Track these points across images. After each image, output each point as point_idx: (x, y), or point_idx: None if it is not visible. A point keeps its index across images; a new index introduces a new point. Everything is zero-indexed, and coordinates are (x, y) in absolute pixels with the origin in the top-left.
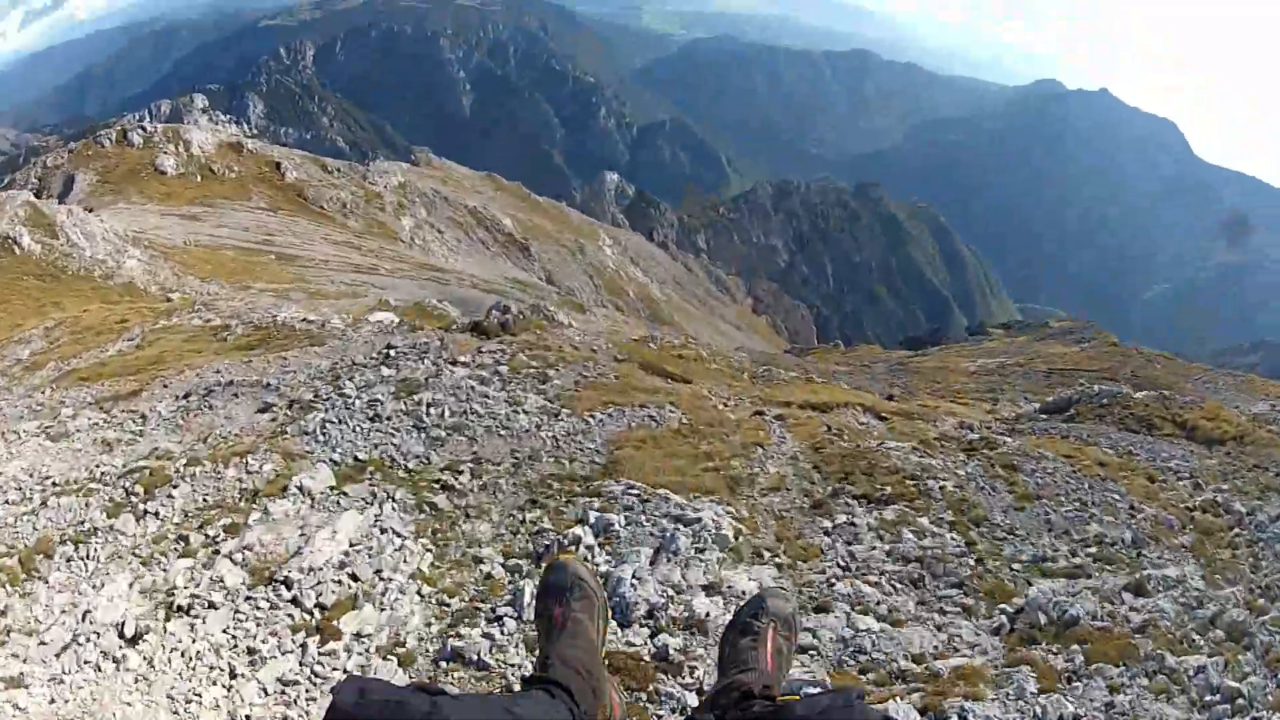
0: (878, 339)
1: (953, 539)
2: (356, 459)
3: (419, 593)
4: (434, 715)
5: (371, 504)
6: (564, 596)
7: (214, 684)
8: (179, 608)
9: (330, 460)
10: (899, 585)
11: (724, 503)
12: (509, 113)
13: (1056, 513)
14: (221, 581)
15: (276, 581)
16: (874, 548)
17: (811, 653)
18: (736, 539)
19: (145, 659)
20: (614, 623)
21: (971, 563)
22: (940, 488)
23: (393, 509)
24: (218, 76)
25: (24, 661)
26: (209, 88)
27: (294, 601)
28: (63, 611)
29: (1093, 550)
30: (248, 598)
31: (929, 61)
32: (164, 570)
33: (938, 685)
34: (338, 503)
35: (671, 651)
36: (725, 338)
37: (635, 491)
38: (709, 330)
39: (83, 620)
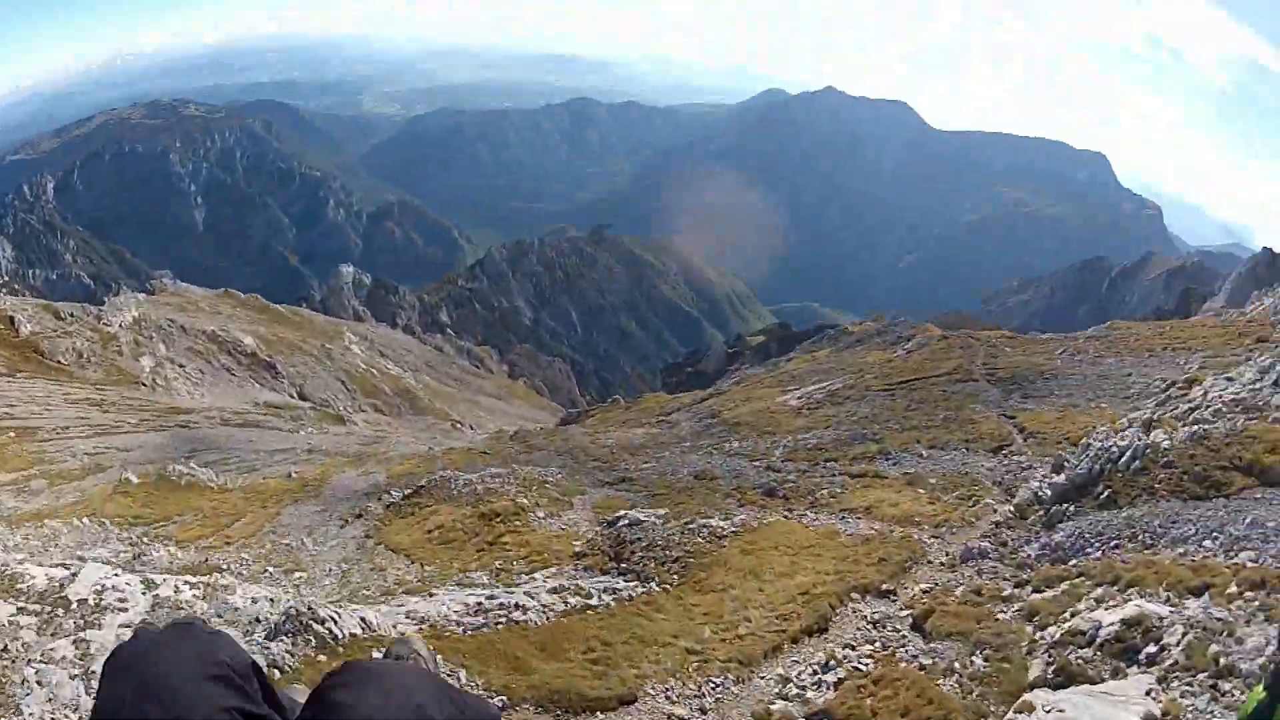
0: (638, 375)
1: None
2: None
3: None
4: (217, 637)
5: None
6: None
7: None
8: None
9: None
10: None
11: None
12: (241, 221)
13: None
14: None
15: None
16: None
17: None
18: None
19: None
20: None
21: None
22: None
23: None
24: None
25: None
26: None
27: None
28: None
29: None
30: None
31: (649, 96)
32: None
33: None
34: None
35: None
36: (489, 413)
37: None
38: (470, 408)
39: None
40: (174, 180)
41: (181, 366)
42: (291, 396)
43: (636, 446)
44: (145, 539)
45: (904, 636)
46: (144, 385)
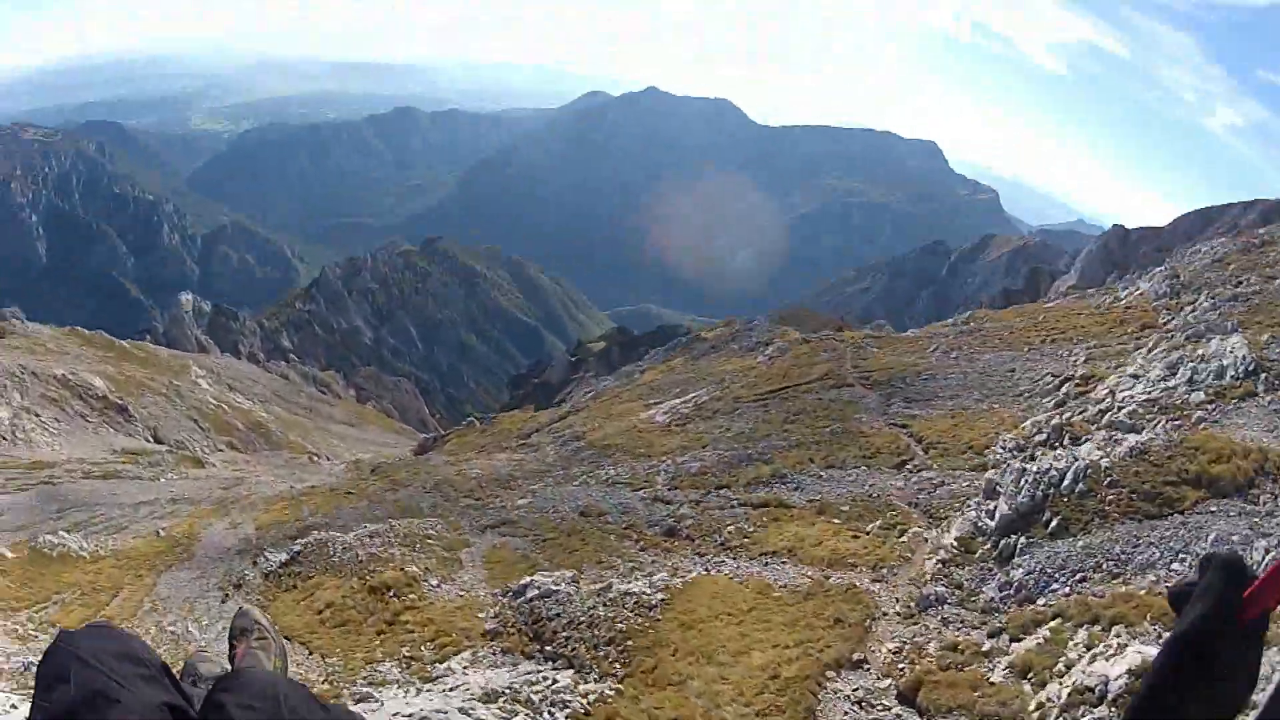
0: (484, 390)
1: None
2: None
3: None
4: (133, 640)
5: None
6: (245, 637)
7: None
8: None
9: None
10: None
11: None
12: (82, 250)
13: None
14: None
15: None
16: None
17: None
18: None
19: None
20: None
21: None
22: None
23: None
24: None
25: None
26: None
27: None
28: None
29: None
30: None
31: (470, 102)
32: None
33: None
34: None
35: None
36: (343, 440)
37: None
38: (324, 437)
39: None
40: (15, 210)
41: (38, 415)
42: (147, 440)
43: (505, 477)
44: (31, 628)
45: (899, 716)
46: (4, 439)
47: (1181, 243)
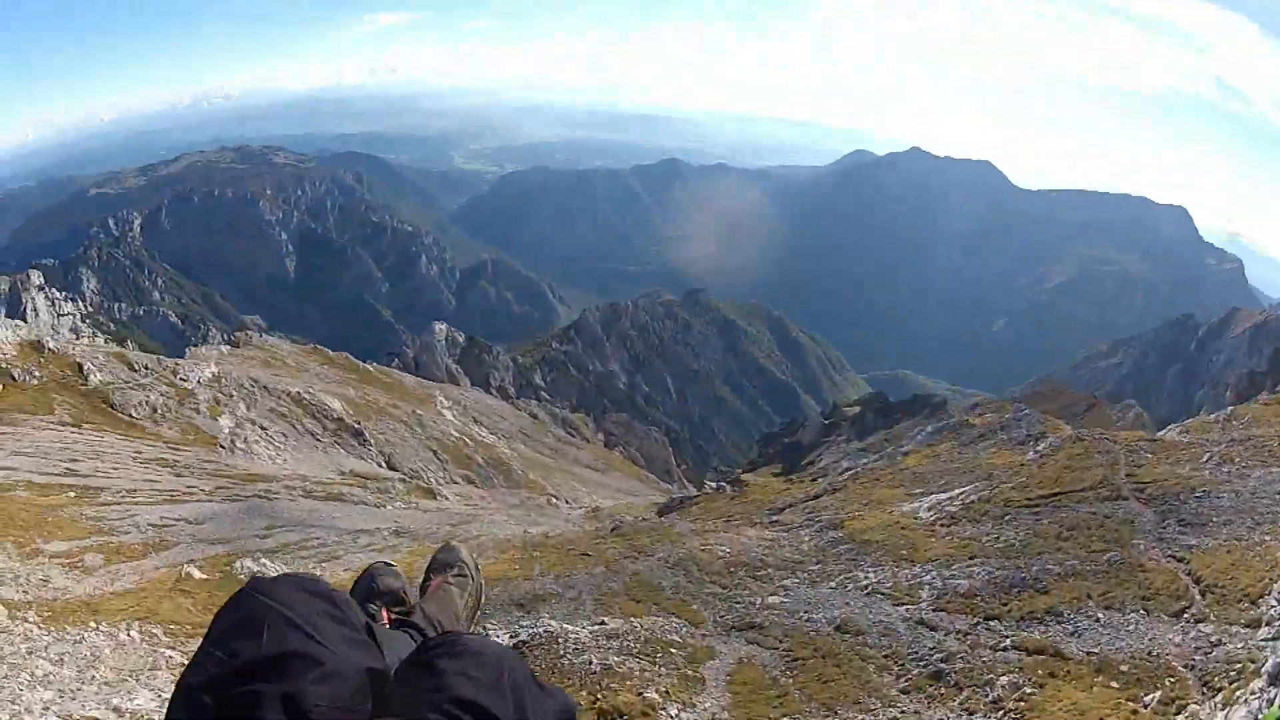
0: (733, 444)
1: None
2: None
3: None
4: (337, 594)
5: None
6: (444, 571)
7: None
8: None
9: None
10: None
11: None
12: (333, 271)
13: None
14: None
15: None
16: None
17: None
18: None
19: None
20: None
21: None
22: None
23: None
24: (51, 248)
25: None
26: (44, 263)
27: None
28: None
29: None
30: None
31: (735, 157)
32: None
33: None
34: None
35: None
36: (585, 484)
37: None
38: (565, 479)
39: None
40: (264, 227)
41: (263, 429)
42: (380, 465)
43: (756, 562)
44: None
45: None
46: (222, 447)
47: None
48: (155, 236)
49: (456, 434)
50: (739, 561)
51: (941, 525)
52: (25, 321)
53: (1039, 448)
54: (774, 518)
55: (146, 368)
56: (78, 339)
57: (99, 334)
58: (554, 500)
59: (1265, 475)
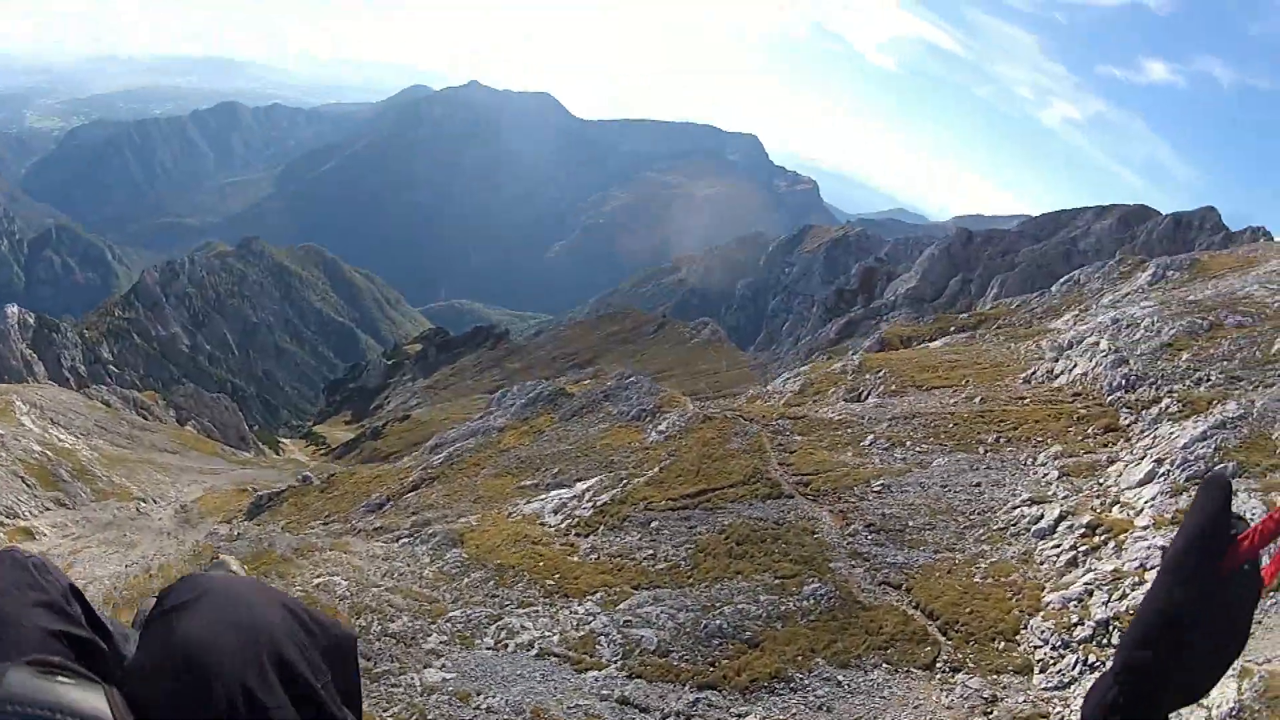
0: (299, 393)
1: None
2: None
3: None
4: (28, 561)
5: None
6: None
7: None
8: None
9: None
10: None
11: None
12: None
13: None
14: None
15: None
16: None
17: None
18: None
19: None
20: None
21: None
22: None
23: None
24: None
25: None
26: None
27: None
28: None
29: None
30: None
31: (296, 97)
32: None
33: None
34: None
35: None
36: (166, 473)
37: None
38: (148, 473)
39: None
40: None
41: None
42: None
43: (384, 607)
44: None
45: None
46: None
47: (1029, 244)
48: None
49: (39, 447)
50: (365, 606)
51: (578, 534)
52: None
53: (660, 427)
54: (376, 523)
55: None
56: None
57: None
58: (143, 505)
59: (950, 463)
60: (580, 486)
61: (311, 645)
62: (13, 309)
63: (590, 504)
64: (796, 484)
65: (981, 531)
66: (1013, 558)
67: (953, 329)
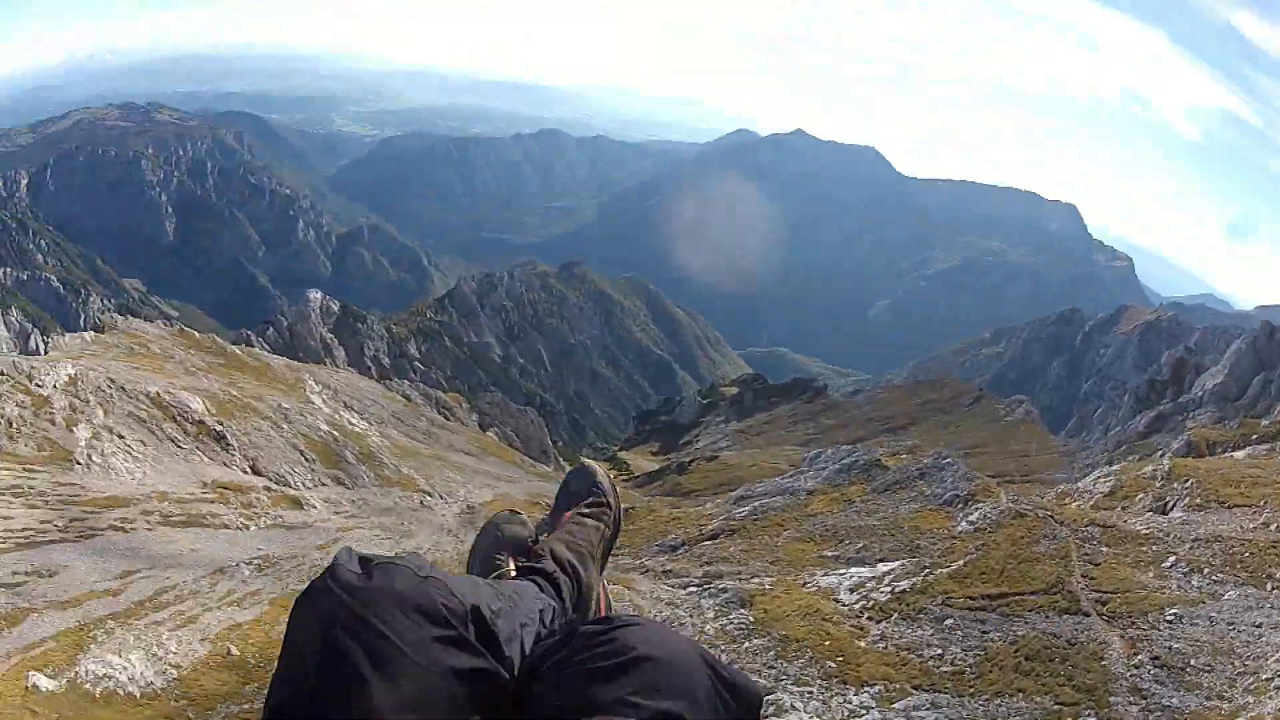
0: (609, 417)
1: None
2: None
3: None
4: (429, 584)
5: None
6: (575, 501)
7: None
8: None
9: None
10: None
11: None
12: (211, 235)
13: None
14: None
15: None
16: None
17: None
18: None
19: None
20: None
21: None
22: None
23: None
24: None
25: None
26: None
27: None
28: None
29: None
30: None
31: (616, 130)
32: None
33: None
34: None
35: None
36: (460, 472)
37: None
38: (440, 469)
39: None
40: (146, 188)
41: (121, 437)
42: (245, 471)
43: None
44: None
45: None
46: (79, 464)
47: None
48: (42, 196)
49: (326, 426)
50: None
51: (870, 619)
52: None
53: (971, 517)
54: (667, 565)
55: (2, 374)
56: None
57: None
58: (428, 499)
59: (1239, 597)
60: (881, 567)
61: (723, 686)
62: (315, 294)
63: (889, 588)
64: (1095, 601)
65: (1251, 680)
66: (1269, 714)
67: (1255, 437)
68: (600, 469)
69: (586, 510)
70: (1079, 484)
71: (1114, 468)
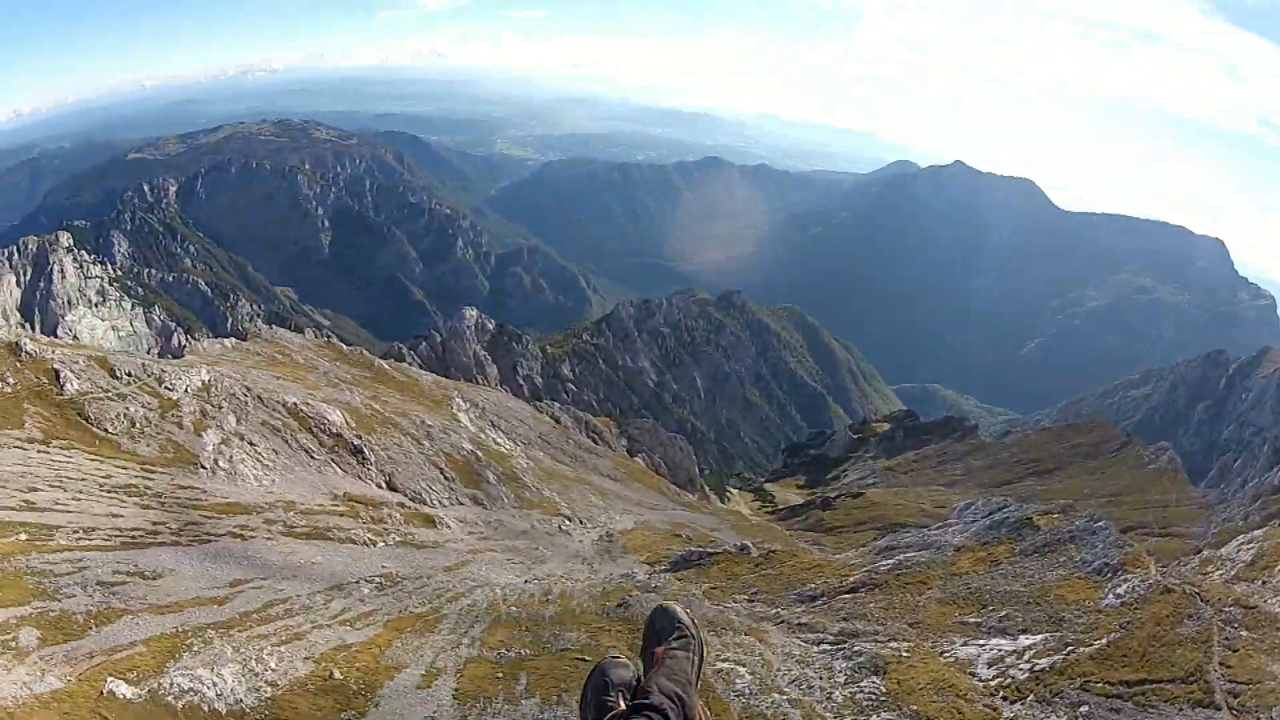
0: (757, 446)
1: None
2: None
3: None
4: None
5: None
6: (662, 637)
7: None
8: None
9: None
10: None
11: None
12: (368, 249)
13: None
14: None
15: None
16: None
17: None
18: None
19: None
20: None
21: None
22: None
23: None
24: (85, 210)
25: None
26: (76, 224)
27: None
28: None
29: None
30: None
31: (780, 160)
32: None
33: None
34: None
35: None
36: (603, 498)
37: None
38: (582, 493)
39: None
40: (301, 201)
41: (252, 445)
42: (379, 486)
43: (766, 715)
44: None
45: None
46: (203, 468)
47: None
48: (190, 204)
49: (470, 445)
50: (759, 713)
51: (1005, 699)
52: (52, 280)
53: (1119, 590)
54: (803, 617)
55: (129, 374)
56: (104, 301)
57: (126, 298)
58: (566, 524)
59: None
60: (1023, 640)
61: None
62: (471, 311)
63: (1028, 665)
64: (1228, 693)
65: None
66: None
67: None
68: (679, 607)
69: (675, 644)
70: (1221, 550)
71: (1257, 533)
